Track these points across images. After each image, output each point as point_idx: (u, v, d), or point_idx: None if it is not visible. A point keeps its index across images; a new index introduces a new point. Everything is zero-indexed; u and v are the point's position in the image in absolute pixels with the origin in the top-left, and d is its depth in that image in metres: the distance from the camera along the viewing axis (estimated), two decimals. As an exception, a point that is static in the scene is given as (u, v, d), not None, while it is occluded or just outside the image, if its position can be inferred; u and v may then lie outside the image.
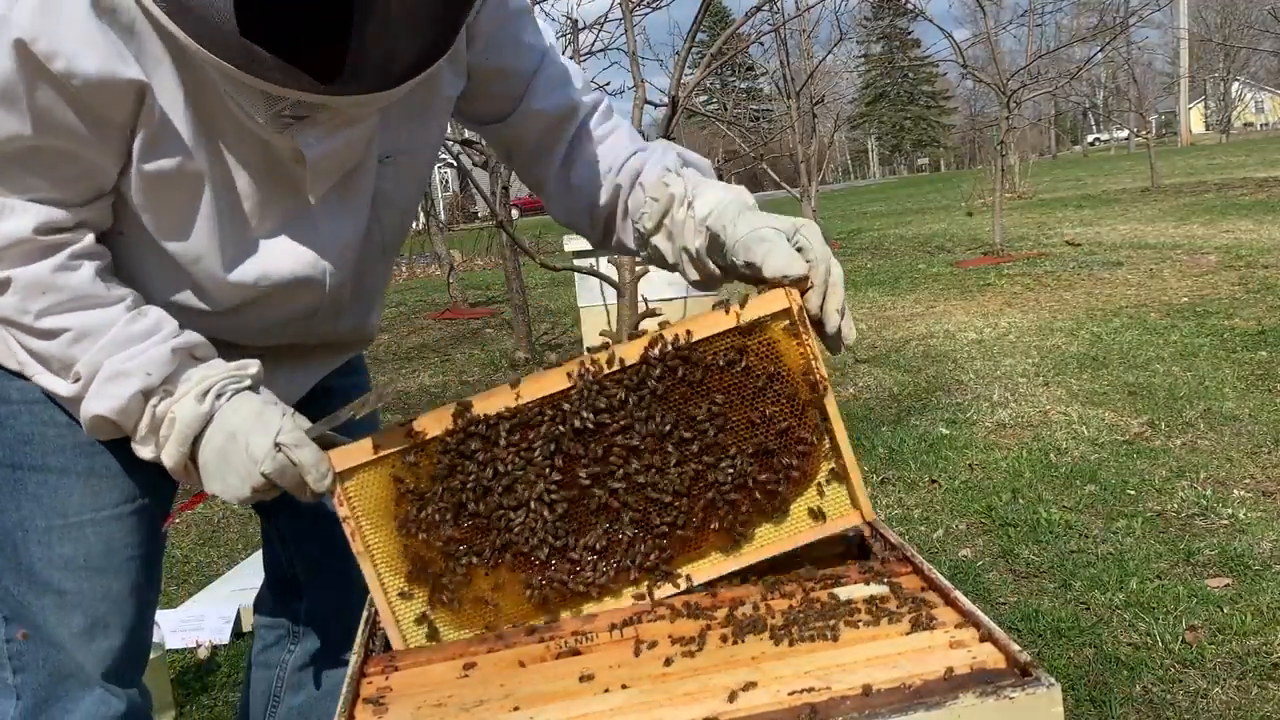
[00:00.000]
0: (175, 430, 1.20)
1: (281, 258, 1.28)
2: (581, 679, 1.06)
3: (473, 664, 1.14)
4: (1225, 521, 3.21)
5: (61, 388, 1.23)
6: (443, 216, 16.01)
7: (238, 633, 3.11)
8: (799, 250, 1.25)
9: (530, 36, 1.40)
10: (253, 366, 1.25)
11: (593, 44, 6.21)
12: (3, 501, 1.31)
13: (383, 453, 1.20)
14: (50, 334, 1.20)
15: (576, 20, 4.36)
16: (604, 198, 1.45)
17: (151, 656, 2.54)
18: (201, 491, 1.25)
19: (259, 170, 1.21)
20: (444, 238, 11.45)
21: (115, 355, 1.20)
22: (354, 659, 1.17)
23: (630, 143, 1.46)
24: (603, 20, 6.25)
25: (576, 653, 1.13)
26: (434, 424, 1.22)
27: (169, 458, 1.21)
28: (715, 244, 1.32)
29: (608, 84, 6.33)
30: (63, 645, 1.31)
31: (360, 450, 1.20)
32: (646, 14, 4.82)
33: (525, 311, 7.39)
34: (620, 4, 3.91)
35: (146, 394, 1.20)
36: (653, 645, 1.12)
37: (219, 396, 1.21)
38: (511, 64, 1.38)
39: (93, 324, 1.21)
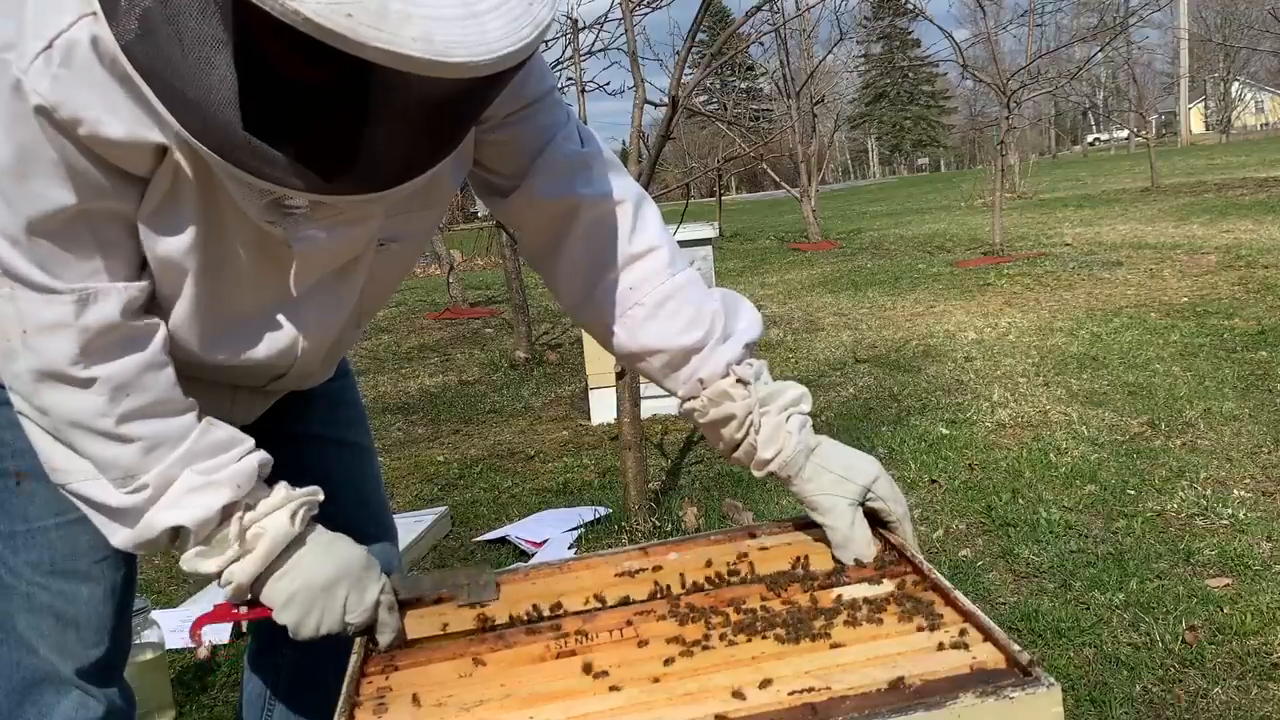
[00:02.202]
0: (263, 546, 1.16)
1: (261, 340, 1.26)
2: (581, 678, 1.06)
3: (472, 664, 1.14)
4: (1225, 521, 3.21)
5: (110, 496, 1.15)
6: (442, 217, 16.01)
7: (238, 633, 3.11)
8: (874, 508, 1.30)
9: (545, 117, 1.30)
10: (319, 493, 1.23)
11: (593, 44, 6.20)
12: None
13: (450, 630, 1.23)
14: (126, 439, 1.13)
15: (576, 20, 4.36)
16: (635, 344, 1.34)
17: (151, 657, 2.56)
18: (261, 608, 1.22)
19: (253, 250, 1.17)
20: (444, 238, 11.45)
21: (193, 466, 1.15)
22: (354, 659, 1.17)
23: (664, 277, 1.33)
24: (603, 20, 6.24)
25: (576, 652, 1.13)
26: (504, 609, 1.25)
27: (243, 573, 1.17)
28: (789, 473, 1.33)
29: (608, 84, 6.34)
30: (35, 649, 1.30)
31: (430, 623, 1.24)
32: (646, 14, 4.83)
33: (525, 311, 7.39)
34: (620, 4, 3.91)
35: (228, 509, 1.16)
36: (653, 645, 1.12)
37: (305, 515, 1.19)
38: (517, 140, 1.29)
39: (169, 433, 1.16)
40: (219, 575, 1.18)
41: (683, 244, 5.42)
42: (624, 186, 1.33)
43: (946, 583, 1.16)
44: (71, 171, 1.03)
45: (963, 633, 1.06)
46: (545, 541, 3.59)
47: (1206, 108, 56.97)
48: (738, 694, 0.98)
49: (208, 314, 1.20)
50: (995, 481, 3.80)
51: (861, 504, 1.30)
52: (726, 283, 10.23)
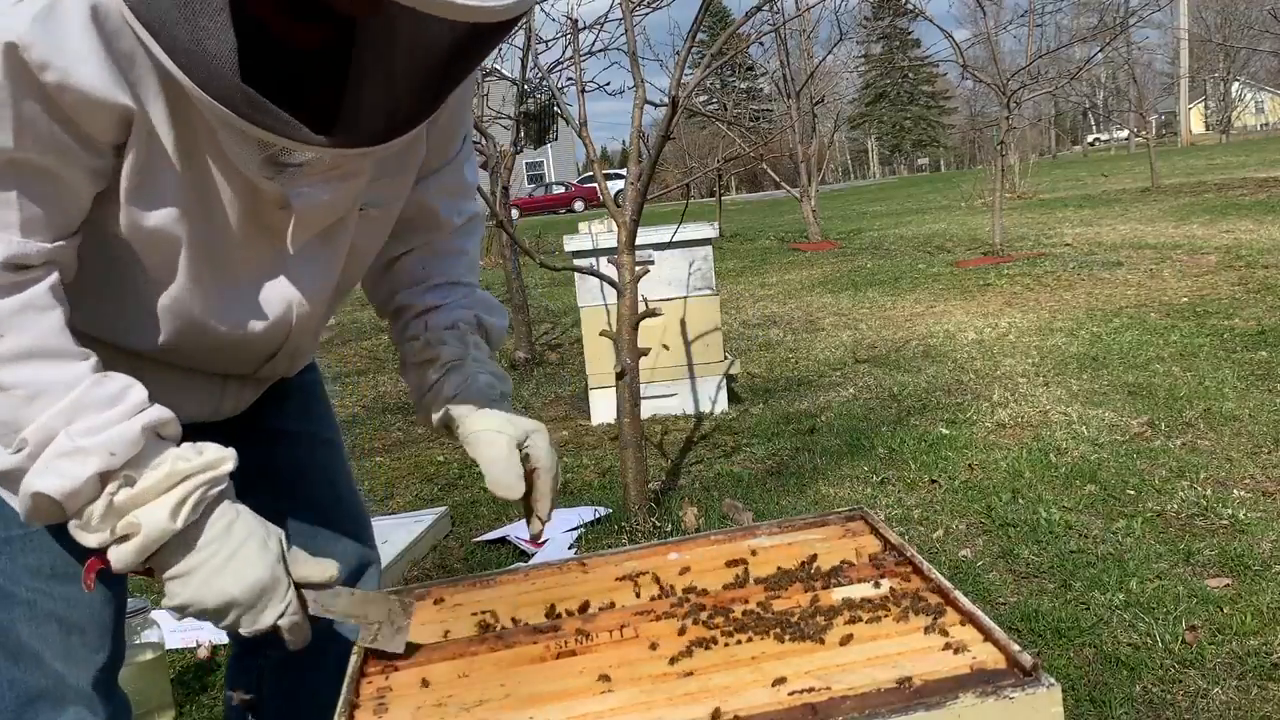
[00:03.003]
0: (137, 541, 1.06)
1: (260, 307, 1.24)
2: (581, 678, 1.06)
3: (472, 664, 1.14)
4: (1225, 521, 3.21)
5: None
6: (443, 216, 15.96)
7: (238, 633, 3.11)
8: (526, 457, 1.34)
9: (463, 128, 1.42)
10: (227, 463, 1.12)
11: (593, 44, 6.21)
12: None
13: (451, 637, 1.22)
14: (1, 387, 1.04)
15: (576, 20, 4.36)
16: (400, 300, 1.46)
17: (151, 657, 2.56)
18: None
19: (241, 215, 1.16)
20: (444, 238, 11.40)
21: (74, 424, 1.04)
22: (354, 659, 1.17)
23: (457, 269, 1.48)
24: (603, 20, 6.25)
25: (576, 653, 1.13)
26: (505, 610, 1.26)
27: (119, 563, 1.07)
28: (450, 421, 1.37)
29: (608, 84, 6.34)
30: (40, 658, 1.26)
31: (432, 630, 1.23)
32: (646, 14, 4.82)
33: (525, 311, 7.39)
34: (620, 4, 3.91)
35: (105, 477, 1.04)
36: (653, 645, 1.12)
37: (194, 508, 1.08)
38: (438, 142, 1.35)
39: (52, 381, 1.05)
40: (101, 552, 1.09)
41: (683, 244, 5.40)
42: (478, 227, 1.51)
43: (947, 583, 1.16)
44: (18, 115, 0.99)
45: (963, 633, 1.06)
46: (545, 541, 3.59)
47: (1206, 108, 56.98)
48: (738, 694, 0.98)
49: (209, 284, 1.18)
50: (995, 481, 3.80)
51: (519, 447, 1.35)
52: (726, 283, 10.23)
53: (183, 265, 1.15)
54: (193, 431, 1.28)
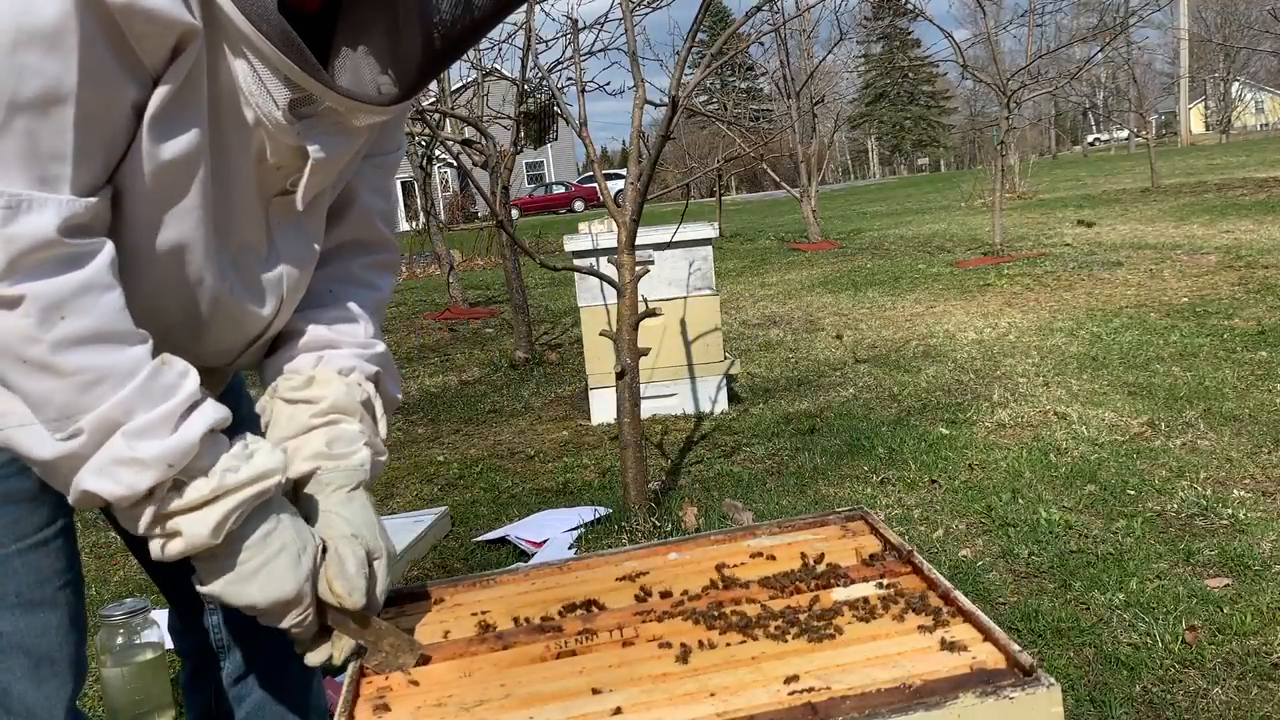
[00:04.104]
0: (177, 546, 1.07)
1: (258, 273, 1.21)
2: (581, 678, 1.06)
3: (472, 664, 1.14)
4: (1225, 521, 3.21)
5: (44, 446, 1.01)
6: (443, 216, 16.01)
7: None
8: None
9: (404, 124, 1.42)
10: (276, 475, 1.11)
11: (593, 44, 6.21)
12: None
13: (451, 638, 1.21)
14: (60, 371, 0.98)
15: (576, 20, 4.36)
16: (291, 324, 1.31)
17: (151, 656, 2.56)
18: None
19: (247, 173, 1.14)
20: (444, 238, 11.44)
21: (133, 419, 1.01)
22: (354, 661, 1.17)
23: (364, 304, 1.35)
24: (603, 20, 6.25)
25: (576, 653, 1.13)
26: (505, 610, 1.26)
27: (157, 556, 1.08)
28: (302, 481, 1.24)
29: (608, 84, 6.34)
30: (9, 692, 1.17)
31: (432, 630, 1.23)
32: (646, 14, 4.83)
33: (525, 311, 7.39)
34: (620, 4, 3.91)
35: (159, 484, 1.04)
36: (653, 645, 1.12)
37: (236, 520, 1.08)
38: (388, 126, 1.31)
39: (111, 368, 1.00)
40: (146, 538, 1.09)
41: (683, 244, 5.40)
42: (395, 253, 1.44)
43: (946, 583, 1.16)
44: (83, 46, 0.93)
45: (963, 633, 1.06)
46: (545, 541, 3.59)
47: (1206, 108, 56.97)
48: (738, 694, 0.98)
49: (210, 245, 1.14)
50: (995, 481, 3.80)
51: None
52: (726, 283, 10.24)
53: (188, 217, 1.10)
54: None
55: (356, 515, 1.22)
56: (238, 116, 1.09)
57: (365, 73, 1.09)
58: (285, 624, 1.15)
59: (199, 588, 1.14)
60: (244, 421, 1.28)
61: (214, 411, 1.08)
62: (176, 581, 1.44)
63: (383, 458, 1.31)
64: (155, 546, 1.08)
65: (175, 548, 1.07)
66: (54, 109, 0.94)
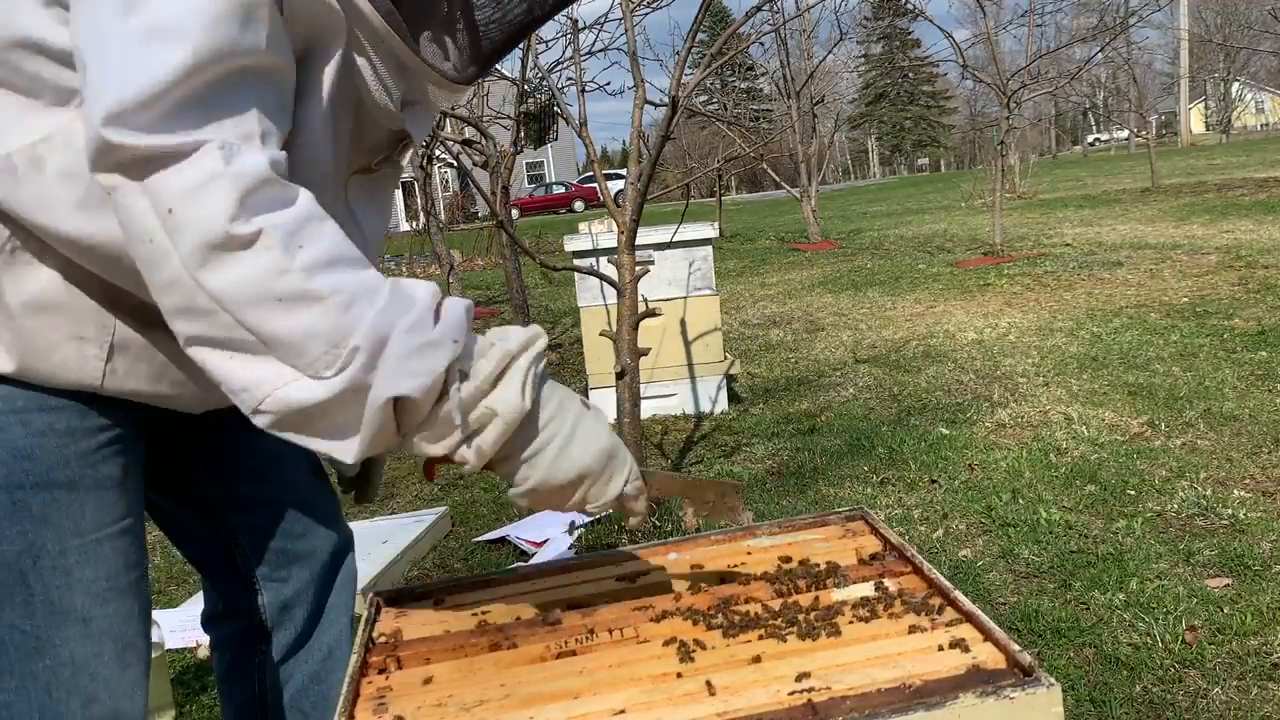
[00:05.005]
0: (494, 430, 1.04)
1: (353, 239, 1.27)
2: (581, 678, 1.06)
3: (472, 663, 1.14)
4: (1225, 521, 3.21)
5: (319, 389, 0.96)
6: (443, 216, 15.99)
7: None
8: None
9: None
10: (543, 337, 1.10)
11: (593, 44, 6.20)
12: (1, 529, 1.13)
13: (450, 631, 1.22)
14: (317, 296, 0.94)
15: (576, 20, 4.35)
16: None
17: (152, 656, 2.56)
18: None
19: (346, 150, 1.18)
20: (444, 238, 11.44)
21: (402, 320, 0.98)
22: (354, 659, 1.16)
23: None
24: (603, 20, 6.25)
25: (576, 653, 1.13)
26: (504, 610, 1.27)
27: (476, 457, 1.04)
28: None
29: (608, 84, 6.34)
30: (96, 676, 1.19)
31: (431, 627, 1.23)
32: (646, 14, 4.82)
33: (525, 311, 7.39)
34: (620, 4, 3.91)
35: (449, 373, 1.01)
36: (653, 645, 1.12)
37: (533, 386, 1.07)
38: None
39: (362, 284, 0.98)
40: (447, 457, 1.06)
41: (683, 244, 5.40)
42: None
43: (946, 583, 1.16)
44: (272, 14, 0.97)
45: (963, 633, 1.06)
46: (545, 541, 3.59)
47: (1206, 108, 56.99)
48: (738, 694, 0.98)
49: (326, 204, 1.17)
50: (995, 481, 3.80)
51: None
52: (726, 283, 10.23)
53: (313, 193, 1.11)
54: (177, 420, 1.28)
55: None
56: (345, 99, 1.12)
57: (446, 54, 1.13)
58: (617, 486, 1.14)
59: (520, 500, 1.11)
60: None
61: (461, 298, 1.08)
62: (226, 565, 1.48)
63: None
64: (465, 452, 1.04)
65: (491, 434, 1.04)
66: (246, 69, 0.96)
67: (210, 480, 1.43)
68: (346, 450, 1.00)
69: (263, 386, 0.96)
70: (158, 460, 1.33)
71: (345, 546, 1.57)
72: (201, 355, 0.97)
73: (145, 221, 0.92)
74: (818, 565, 1.28)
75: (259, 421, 0.99)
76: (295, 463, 1.51)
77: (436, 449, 1.04)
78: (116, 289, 1.13)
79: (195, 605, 3.26)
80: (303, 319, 0.94)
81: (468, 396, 1.02)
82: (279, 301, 0.94)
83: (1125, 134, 41.79)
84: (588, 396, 5.44)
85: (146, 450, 1.29)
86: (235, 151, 0.93)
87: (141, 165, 0.91)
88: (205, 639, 3.03)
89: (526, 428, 1.07)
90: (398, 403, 0.99)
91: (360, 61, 1.09)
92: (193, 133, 0.92)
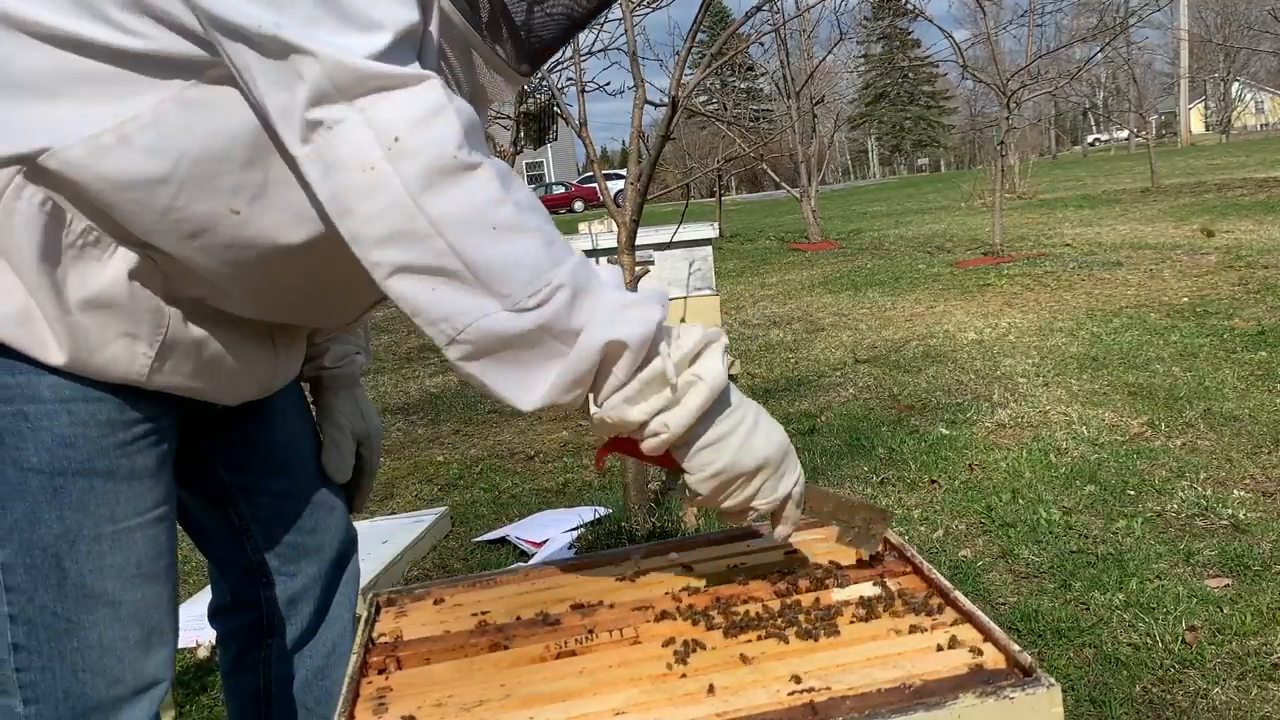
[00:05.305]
0: (697, 396, 1.04)
1: None
2: (581, 678, 1.06)
3: (472, 664, 1.13)
4: (1225, 521, 3.21)
5: (521, 321, 0.98)
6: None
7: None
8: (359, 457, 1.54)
9: None
10: (721, 330, 1.11)
11: (593, 44, 6.20)
12: (40, 513, 1.15)
13: (450, 632, 1.23)
14: (526, 228, 0.99)
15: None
16: None
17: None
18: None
19: None
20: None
21: (599, 276, 1.02)
22: (353, 659, 1.16)
23: None
24: (603, 20, 6.24)
25: (576, 653, 1.13)
26: (505, 610, 1.27)
27: (678, 424, 1.05)
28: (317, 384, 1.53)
29: (608, 84, 6.33)
30: (123, 659, 1.22)
31: (431, 627, 1.24)
32: (646, 14, 4.82)
33: (525, 311, 7.38)
34: (620, 4, 3.91)
35: (657, 337, 1.02)
36: (652, 645, 1.12)
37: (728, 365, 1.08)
38: None
39: (556, 231, 1.03)
40: (642, 426, 1.05)
41: (683, 244, 5.40)
42: None
43: (946, 583, 1.16)
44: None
45: (963, 633, 1.06)
46: (545, 542, 3.59)
47: (1206, 108, 57.00)
48: (738, 694, 0.98)
49: None
50: (995, 481, 3.80)
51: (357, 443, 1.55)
52: (726, 283, 10.23)
53: None
54: (197, 415, 1.30)
55: (347, 406, 1.59)
56: None
57: (505, 49, 1.14)
58: (788, 484, 1.14)
59: (699, 488, 1.11)
60: (298, 390, 1.54)
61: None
62: (236, 558, 1.51)
63: (368, 357, 1.62)
64: (664, 419, 1.05)
65: (696, 399, 1.05)
66: (428, 40, 1.03)
67: (228, 470, 1.45)
68: (528, 397, 1.02)
69: (464, 316, 0.99)
70: (180, 450, 1.34)
71: (351, 544, 1.58)
72: (403, 285, 0.99)
73: (366, 153, 0.95)
74: (818, 565, 1.28)
75: (453, 353, 1.01)
76: (309, 459, 1.53)
77: (636, 412, 1.04)
78: (175, 283, 1.16)
79: (195, 605, 3.26)
80: (514, 247, 0.98)
81: (678, 358, 1.04)
82: (494, 229, 0.97)
83: (1125, 134, 41.80)
84: (588, 396, 5.45)
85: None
86: (453, 98, 0.98)
87: (371, 91, 0.95)
88: (205, 639, 3.04)
89: (719, 407, 1.08)
90: (602, 360, 1.00)
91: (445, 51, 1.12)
92: (416, 65, 0.98)
